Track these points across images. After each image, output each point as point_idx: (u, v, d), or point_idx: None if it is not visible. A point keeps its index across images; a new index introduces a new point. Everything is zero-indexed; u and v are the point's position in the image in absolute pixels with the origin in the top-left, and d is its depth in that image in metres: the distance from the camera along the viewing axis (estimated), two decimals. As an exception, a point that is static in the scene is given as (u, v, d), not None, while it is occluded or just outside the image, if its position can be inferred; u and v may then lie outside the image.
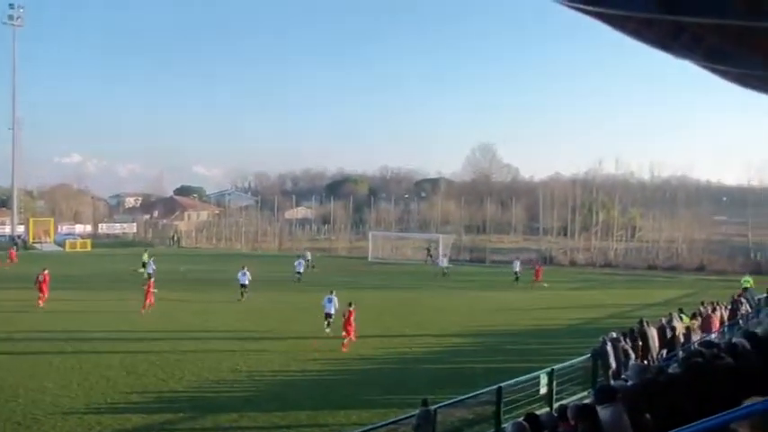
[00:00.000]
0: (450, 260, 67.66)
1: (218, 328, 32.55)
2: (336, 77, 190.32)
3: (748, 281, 45.49)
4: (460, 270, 64.90)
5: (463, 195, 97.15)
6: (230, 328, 32.85)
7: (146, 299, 36.93)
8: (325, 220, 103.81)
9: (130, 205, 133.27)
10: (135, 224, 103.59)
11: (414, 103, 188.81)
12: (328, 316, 31.58)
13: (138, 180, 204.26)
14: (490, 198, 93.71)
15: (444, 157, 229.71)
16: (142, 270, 51.46)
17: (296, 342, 29.66)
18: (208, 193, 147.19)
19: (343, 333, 28.99)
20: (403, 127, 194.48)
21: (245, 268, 42.94)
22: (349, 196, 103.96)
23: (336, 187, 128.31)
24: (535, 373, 19.10)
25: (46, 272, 39.81)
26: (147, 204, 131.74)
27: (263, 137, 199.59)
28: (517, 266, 57.04)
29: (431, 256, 73.72)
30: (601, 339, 21.70)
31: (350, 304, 29.63)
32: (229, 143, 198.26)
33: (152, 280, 39.39)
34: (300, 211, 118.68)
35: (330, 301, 31.83)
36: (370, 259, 76.03)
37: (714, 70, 8.06)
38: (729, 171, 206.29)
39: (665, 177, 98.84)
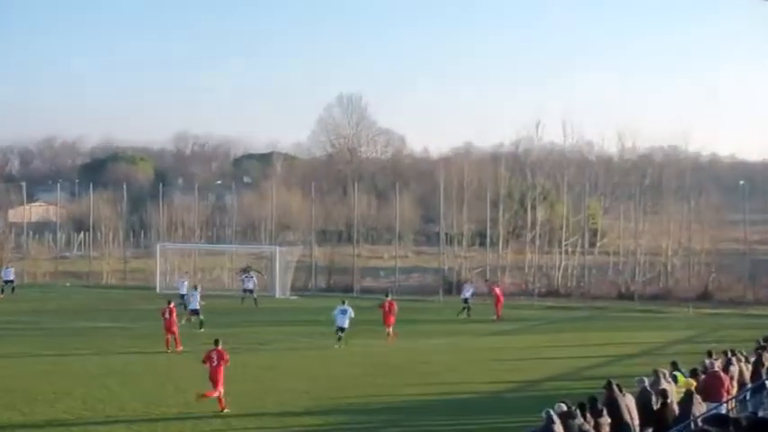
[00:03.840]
0: (293, 289, 67.59)
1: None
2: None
3: None
4: (309, 306, 64.45)
5: (314, 180, 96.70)
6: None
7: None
8: (79, 224, 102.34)
9: None
10: None
11: (230, 43, 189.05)
12: (340, 330, 44.61)
13: None
14: (358, 185, 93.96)
15: (282, 120, 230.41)
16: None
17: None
18: None
19: None
20: (213, 78, 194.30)
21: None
22: (122, 184, 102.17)
23: (100, 169, 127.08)
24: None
25: None
26: None
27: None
28: (468, 293, 61.63)
29: (246, 278, 71.94)
30: (544, 414, 21.81)
31: None
32: None
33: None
34: (37, 210, 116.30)
35: (344, 312, 44.51)
36: (158, 290, 74.56)
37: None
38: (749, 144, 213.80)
39: (643, 151, 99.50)
